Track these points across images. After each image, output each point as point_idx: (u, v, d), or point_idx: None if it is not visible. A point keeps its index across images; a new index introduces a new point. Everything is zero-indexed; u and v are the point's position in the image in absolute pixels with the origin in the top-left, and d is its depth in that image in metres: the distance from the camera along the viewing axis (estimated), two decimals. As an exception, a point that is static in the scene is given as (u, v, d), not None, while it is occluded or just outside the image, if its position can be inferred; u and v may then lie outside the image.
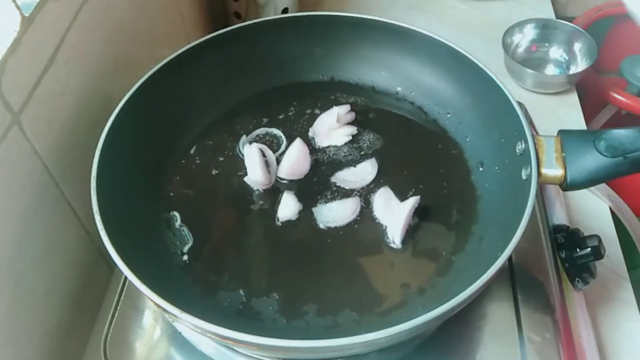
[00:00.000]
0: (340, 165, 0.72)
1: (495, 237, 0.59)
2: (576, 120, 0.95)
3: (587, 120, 0.97)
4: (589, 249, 0.66)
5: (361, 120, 0.77)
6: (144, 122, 0.69)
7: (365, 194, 0.69)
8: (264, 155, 0.72)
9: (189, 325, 0.50)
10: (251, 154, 0.71)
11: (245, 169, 0.71)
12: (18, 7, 0.54)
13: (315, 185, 0.70)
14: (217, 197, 0.69)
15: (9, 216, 0.55)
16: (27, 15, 0.55)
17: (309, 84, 0.81)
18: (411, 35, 0.74)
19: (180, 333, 0.63)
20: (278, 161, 0.72)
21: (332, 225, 0.66)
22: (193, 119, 0.76)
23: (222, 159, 0.73)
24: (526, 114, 0.79)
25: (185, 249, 0.64)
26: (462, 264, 0.62)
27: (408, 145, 0.73)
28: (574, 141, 0.60)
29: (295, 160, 0.72)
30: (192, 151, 0.74)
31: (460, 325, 0.60)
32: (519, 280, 0.65)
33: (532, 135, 0.61)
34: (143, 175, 0.68)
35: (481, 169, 0.70)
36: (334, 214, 0.67)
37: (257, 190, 0.70)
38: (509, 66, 0.99)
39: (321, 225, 0.66)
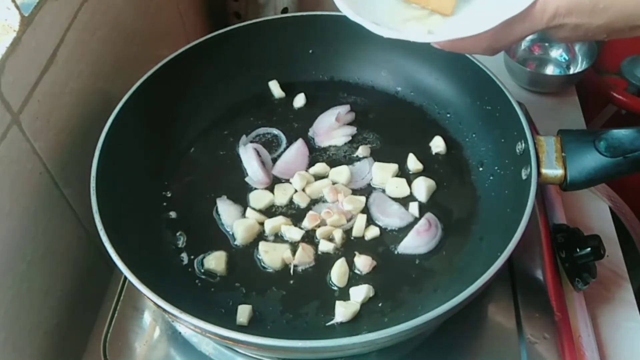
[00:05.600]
0: (340, 165, 0.71)
1: (495, 237, 0.59)
2: (576, 120, 0.95)
3: (587, 120, 0.97)
4: (589, 249, 0.66)
5: (361, 120, 0.77)
6: (143, 122, 0.69)
7: (366, 194, 0.69)
8: (259, 155, 0.72)
9: (188, 325, 0.50)
10: (248, 154, 0.71)
11: (244, 168, 0.71)
12: (17, 7, 0.54)
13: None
14: (217, 197, 0.69)
15: (8, 216, 0.55)
16: (26, 15, 0.55)
17: (309, 84, 0.81)
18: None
19: (180, 333, 0.63)
20: (274, 160, 0.72)
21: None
22: (193, 119, 0.76)
23: (222, 158, 0.73)
24: (526, 114, 0.78)
25: (185, 249, 0.64)
26: (462, 264, 0.62)
27: (408, 145, 0.73)
28: (574, 141, 0.60)
29: (292, 160, 0.72)
30: (192, 151, 0.74)
31: (460, 325, 0.60)
32: (519, 280, 0.65)
33: (532, 135, 0.61)
34: (143, 175, 0.68)
35: (481, 168, 0.70)
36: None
37: (256, 188, 0.69)
38: (509, 66, 0.99)
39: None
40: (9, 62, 0.53)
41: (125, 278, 0.57)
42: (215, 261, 0.62)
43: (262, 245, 0.63)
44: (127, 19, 0.77)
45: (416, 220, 0.66)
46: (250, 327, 0.58)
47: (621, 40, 0.51)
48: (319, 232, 0.64)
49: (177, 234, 0.66)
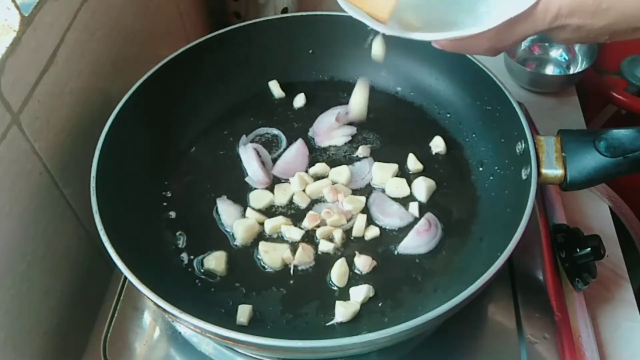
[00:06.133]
0: (340, 165, 0.71)
1: (495, 237, 0.59)
2: (576, 120, 0.95)
3: (587, 120, 0.97)
4: (589, 249, 0.66)
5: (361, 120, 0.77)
6: (143, 121, 0.69)
7: (366, 194, 0.69)
8: (259, 155, 0.72)
9: (188, 325, 0.50)
10: (247, 154, 0.71)
11: (244, 168, 0.71)
12: (17, 7, 0.54)
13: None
14: (217, 197, 0.69)
15: (8, 216, 0.55)
16: (26, 15, 0.55)
17: (309, 84, 0.81)
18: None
19: (180, 333, 0.63)
20: (274, 160, 0.73)
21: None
22: (193, 119, 0.76)
23: (222, 158, 0.73)
24: (526, 114, 0.78)
25: (185, 249, 0.64)
26: (462, 264, 0.62)
27: (408, 145, 0.73)
28: (574, 141, 0.60)
29: (292, 160, 0.72)
30: (192, 150, 0.74)
31: (460, 325, 0.60)
32: (519, 280, 0.65)
33: (532, 135, 0.61)
34: (143, 175, 0.68)
35: (481, 168, 0.70)
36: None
37: (256, 188, 0.69)
38: (509, 66, 0.99)
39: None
40: (9, 62, 0.53)
41: (125, 278, 0.57)
42: (215, 261, 0.62)
43: (262, 245, 0.63)
44: (127, 19, 0.77)
45: (416, 220, 0.66)
46: (250, 327, 0.58)
47: (621, 40, 0.51)
48: (319, 232, 0.64)
49: (177, 234, 0.66)
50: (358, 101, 0.70)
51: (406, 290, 0.61)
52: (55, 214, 0.63)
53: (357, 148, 0.73)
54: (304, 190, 0.68)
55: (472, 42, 0.50)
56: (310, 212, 0.66)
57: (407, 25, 0.53)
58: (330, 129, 0.75)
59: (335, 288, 0.61)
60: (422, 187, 0.68)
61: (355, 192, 0.69)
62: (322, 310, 0.59)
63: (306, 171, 0.71)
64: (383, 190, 0.69)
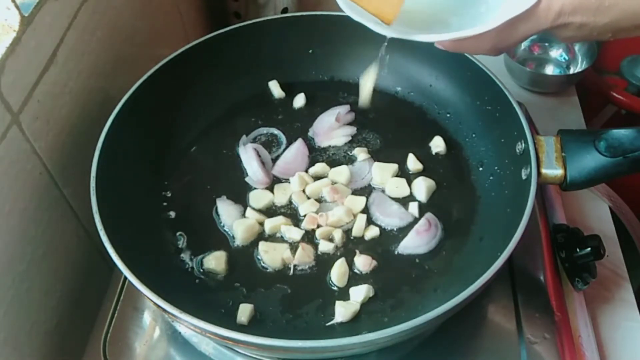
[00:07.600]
0: (340, 165, 0.71)
1: (495, 237, 0.59)
2: (576, 120, 0.95)
3: (587, 120, 0.97)
4: (589, 249, 0.66)
5: (361, 120, 0.77)
6: (143, 121, 0.69)
7: (366, 194, 0.69)
8: (259, 155, 0.72)
9: (188, 325, 0.50)
10: (247, 154, 0.71)
11: (244, 168, 0.71)
12: (17, 7, 0.54)
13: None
14: (217, 197, 0.69)
15: (8, 216, 0.55)
16: (26, 15, 0.55)
17: (309, 84, 0.81)
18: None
19: (179, 333, 0.63)
20: (274, 160, 0.73)
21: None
22: (193, 119, 0.76)
23: (222, 158, 0.73)
24: (526, 114, 0.78)
25: (185, 249, 0.64)
26: (462, 264, 0.62)
27: (408, 145, 0.73)
28: (573, 141, 0.60)
29: (292, 160, 0.72)
30: (192, 150, 0.74)
31: (460, 325, 0.60)
32: (519, 280, 0.65)
33: (532, 135, 0.61)
34: (143, 175, 0.68)
35: (481, 168, 0.70)
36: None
37: (256, 188, 0.69)
38: (509, 66, 0.99)
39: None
40: (9, 62, 0.53)
41: (125, 278, 0.57)
42: (215, 261, 0.62)
43: (262, 245, 0.63)
44: (127, 19, 0.77)
45: (416, 220, 0.66)
46: (250, 327, 0.58)
47: (621, 40, 0.51)
48: (318, 232, 0.64)
49: (177, 234, 0.66)
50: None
51: (406, 290, 0.61)
52: (55, 214, 0.63)
53: (357, 148, 0.73)
54: (303, 190, 0.68)
55: (475, 42, 0.50)
56: (310, 214, 0.66)
57: (409, 26, 0.53)
58: (330, 129, 0.75)
59: (335, 288, 0.61)
60: (422, 187, 0.68)
61: (355, 192, 0.69)
62: (322, 310, 0.59)
63: (306, 171, 0.71)
64: (383, 190, 0.69)
